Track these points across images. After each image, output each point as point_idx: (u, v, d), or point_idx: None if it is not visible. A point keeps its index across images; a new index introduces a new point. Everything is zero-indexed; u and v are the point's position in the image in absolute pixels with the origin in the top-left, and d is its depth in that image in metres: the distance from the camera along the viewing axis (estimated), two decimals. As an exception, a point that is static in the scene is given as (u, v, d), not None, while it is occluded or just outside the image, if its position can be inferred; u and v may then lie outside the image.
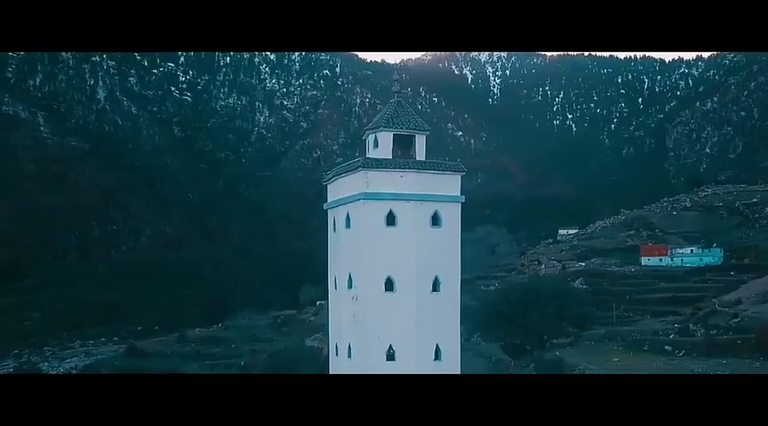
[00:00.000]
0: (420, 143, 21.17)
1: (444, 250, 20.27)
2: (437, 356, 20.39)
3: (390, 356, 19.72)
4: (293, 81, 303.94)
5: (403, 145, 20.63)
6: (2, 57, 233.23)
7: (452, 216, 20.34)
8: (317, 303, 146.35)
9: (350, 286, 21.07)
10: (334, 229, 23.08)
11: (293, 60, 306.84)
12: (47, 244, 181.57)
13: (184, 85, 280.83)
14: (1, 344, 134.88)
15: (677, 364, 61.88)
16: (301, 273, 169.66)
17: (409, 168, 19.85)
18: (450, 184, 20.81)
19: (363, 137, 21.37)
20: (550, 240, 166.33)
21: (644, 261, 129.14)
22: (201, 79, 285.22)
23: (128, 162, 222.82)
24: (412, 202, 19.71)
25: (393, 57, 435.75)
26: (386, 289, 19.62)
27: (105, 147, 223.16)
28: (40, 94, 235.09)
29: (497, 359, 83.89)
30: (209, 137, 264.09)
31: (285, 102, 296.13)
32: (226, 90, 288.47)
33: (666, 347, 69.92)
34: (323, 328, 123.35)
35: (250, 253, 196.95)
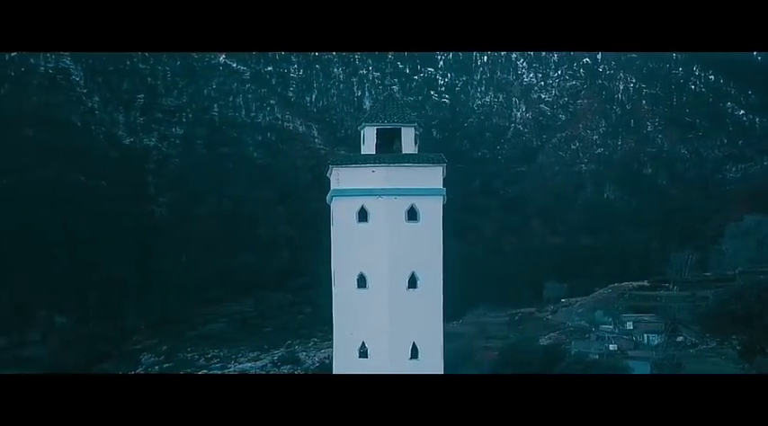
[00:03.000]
0: (407, 135, 20.51)
1: (423, 245, 19.40)
2: (414, 354, 19.59)
3: (363, 353, 19.50)
4: (551, 73, 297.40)
5: (394, 139, 20.24)
6: (284, 78, 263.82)
7: (432, 209, 19.36)
8: (561, 300, 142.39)
9: (333, 283, 21.22)
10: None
11: (551, 52, 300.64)
12: (317, 245, 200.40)
13: (443, 88, 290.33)
14: (278, 335, 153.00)
15: None
16: (550, 269, 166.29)
17: (381, 163, 19.42)
18: (430, 177, 19.84)
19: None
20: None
21: None
22: (459, 80, 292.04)
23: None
24: (384, 197, 19.22)
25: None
26: (359, 286, 19.47)
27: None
28: (315, 109, 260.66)
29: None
30: (465, 137, 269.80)
31: (543, 96, 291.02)
32: (483, 89, 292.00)
33: None
34: (560, 327, 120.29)
35: (502, 250, 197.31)
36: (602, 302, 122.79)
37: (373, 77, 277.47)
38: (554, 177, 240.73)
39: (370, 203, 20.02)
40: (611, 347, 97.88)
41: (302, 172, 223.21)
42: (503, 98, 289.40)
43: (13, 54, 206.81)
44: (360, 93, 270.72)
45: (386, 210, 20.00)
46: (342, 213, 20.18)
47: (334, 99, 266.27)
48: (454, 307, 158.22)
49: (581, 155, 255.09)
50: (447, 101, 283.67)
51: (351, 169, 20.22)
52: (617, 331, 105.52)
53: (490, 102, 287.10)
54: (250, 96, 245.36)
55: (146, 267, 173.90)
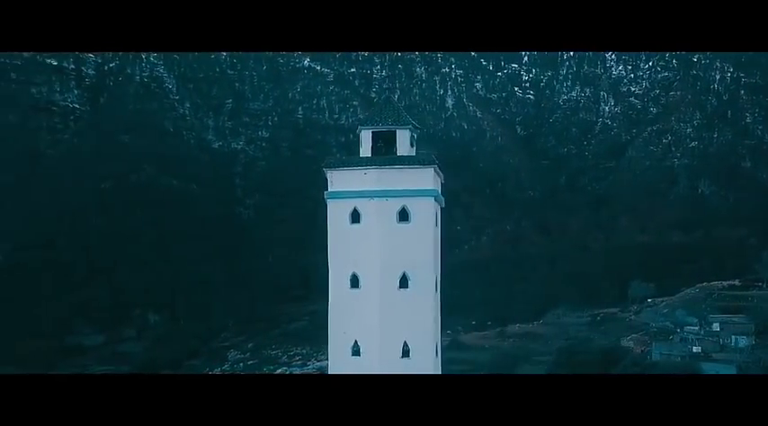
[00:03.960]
0: (402, 138, 20.88)
1: (414, 245, 19.76)
2: (405, 353, 19.92)
3: (356, 351, 20.05)
4: (641, 65, 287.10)
5: (392, 141, 20.72)
6: (367, 79, 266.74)
7: (423, 210, 19.66)
8: (648, 300, 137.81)
9: (329, 282, 21.84)
10: None
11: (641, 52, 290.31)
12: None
13: (527, 84, 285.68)
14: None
15: None
16: (637, 268, 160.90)
17: (372, 165, 19.89)
18: (420, 178, 20.14)
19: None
20: None
21: None
22: (544, 76, 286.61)
23: (472, 164, 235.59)
24: (376, 199, 19.68)
25: None
26: (351, 286, 20.04)
27: (452, 153, 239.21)
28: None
29: None
30: (551, 133, 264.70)
31: (632, 88, 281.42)
32: (569, 83, 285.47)
33: None
34: (643, 327, 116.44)
35: (588, 248, 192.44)
36: (689, 302, 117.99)
37: (456, 76, 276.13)
38: (644, 172, 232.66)
39: (363, 205, 20.53)
40: (695, 349, 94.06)
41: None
42: (590, 92, 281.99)
43: (111, 65, 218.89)
44: (442, 92, 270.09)
45: (377, 212, 20.45)
46: (335, 214, 20.80)
47: (417, 98, 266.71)
48: (535, 307, 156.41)
49: (673, 148, 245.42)
50: (531, 96, 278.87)
51: (343, 172, 20.82)
52: (702, 332, 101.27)
53: (576, 96, 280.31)
54: (333, 98, 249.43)
55: (233, 267, 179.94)
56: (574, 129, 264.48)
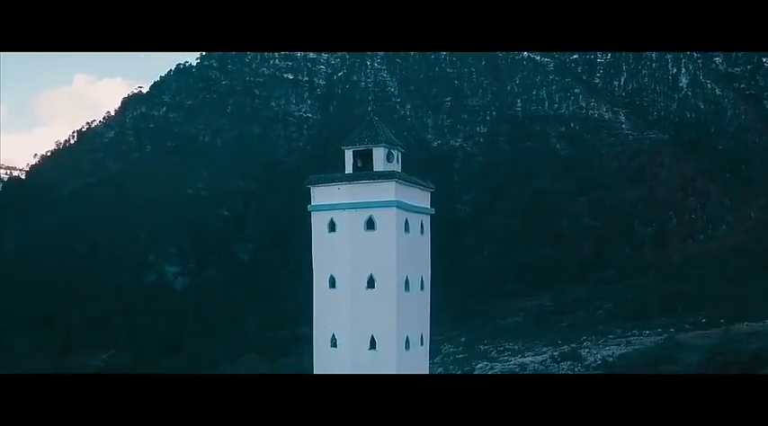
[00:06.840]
0: (377, 155, 23.19)
1: (379, 251, 22.14)
2: (372, 345, 22.23)
3: (333, 344, 22.87)
4: None
5: (370, 158, 23.17)
6: (590, 64, 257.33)
7: (387, 219, 21.96)
8: None
9: (313, 283, 24.82)
10: None
11: None
12: (625, 236, 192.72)
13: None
14: (574, 330, 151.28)
15: None
16: None
17: (344, 181, 22.55)
18: (383, 191, 22.34)
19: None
20: None
21: None
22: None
23: (709, 147, 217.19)
24: (347, 210, 22.30)
25: None
26: (330, 286, 22.94)
27: (685, 135, 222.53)
28: (624, 93, 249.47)
29: None
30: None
31: None
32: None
33: None
34: None
35: None
36: None
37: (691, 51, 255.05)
38: None
39: (337, 215, 23.48)
40: None
41: (607, 160, 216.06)
42: None
43: (339, 74, 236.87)
44: (675, 71, 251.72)
45: (348, 221, 23.24)
46: (317, 225, 24.07)
47: (646, 80, 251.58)
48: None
49: None
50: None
51: (322, 187, 23.98)
52: None
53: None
54: (554, 87, 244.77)
55: (451, 262, 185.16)
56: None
